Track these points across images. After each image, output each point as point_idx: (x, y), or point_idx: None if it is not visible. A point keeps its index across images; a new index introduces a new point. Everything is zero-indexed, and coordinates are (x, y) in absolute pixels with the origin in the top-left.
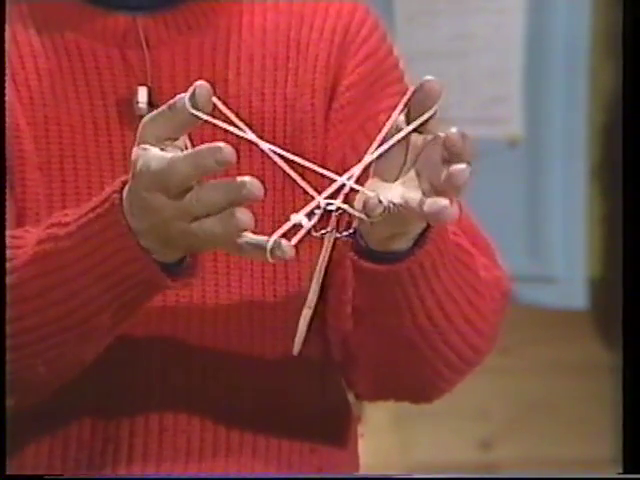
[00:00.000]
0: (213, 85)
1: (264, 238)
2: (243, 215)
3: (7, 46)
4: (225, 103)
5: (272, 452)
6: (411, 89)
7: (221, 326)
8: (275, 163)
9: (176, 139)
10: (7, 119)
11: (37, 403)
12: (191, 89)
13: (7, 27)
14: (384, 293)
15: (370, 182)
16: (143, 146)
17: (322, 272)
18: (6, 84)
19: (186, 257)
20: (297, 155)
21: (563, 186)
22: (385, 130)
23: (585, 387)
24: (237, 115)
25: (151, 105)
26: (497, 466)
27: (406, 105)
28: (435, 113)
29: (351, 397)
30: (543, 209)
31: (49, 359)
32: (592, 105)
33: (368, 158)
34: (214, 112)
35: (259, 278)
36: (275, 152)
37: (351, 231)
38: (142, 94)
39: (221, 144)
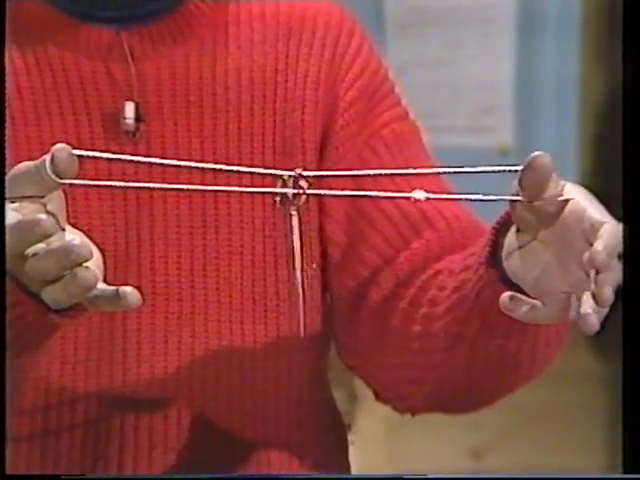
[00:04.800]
0: (201, 98)
1: (112, 288)
2: (87, 273)
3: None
4: (214, 117)
5: (262, 467)
6: (520, 168)
7: (212, 342)
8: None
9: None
10: None
11: (28, 422)
12: (50, 153)
13: (7, 27)
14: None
15: (514, 230)
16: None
17: (298, 246)
18: (6, 84)
19: None
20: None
21: None
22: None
23: (577, 397)
24: (226, 129)
25: (138, 120)
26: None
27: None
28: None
29: (340, 405)
30: None
31: None
32: (582, 115)
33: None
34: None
35: (249, 293)
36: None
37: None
38: (129, 109)
39: (42, 217)
